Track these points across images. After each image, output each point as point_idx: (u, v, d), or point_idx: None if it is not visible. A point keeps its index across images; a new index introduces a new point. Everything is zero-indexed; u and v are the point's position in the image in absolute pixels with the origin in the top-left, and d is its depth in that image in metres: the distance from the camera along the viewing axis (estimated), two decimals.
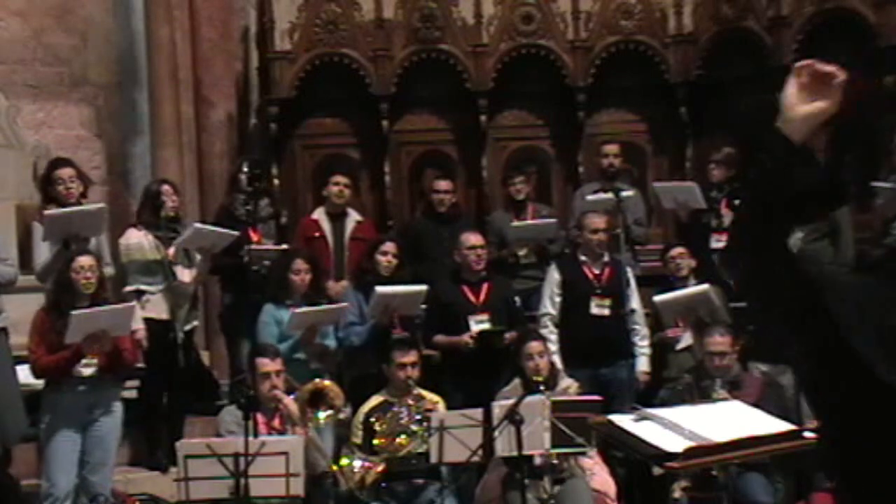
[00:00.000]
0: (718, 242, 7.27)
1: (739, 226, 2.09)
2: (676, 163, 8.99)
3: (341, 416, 5.84)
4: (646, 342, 6.84)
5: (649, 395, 6.22)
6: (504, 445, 5.40)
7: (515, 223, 7.80)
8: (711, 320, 6.43)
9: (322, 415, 5.67)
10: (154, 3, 8.70)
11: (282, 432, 5.57)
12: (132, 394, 6.90)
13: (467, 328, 6.70)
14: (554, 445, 5.48)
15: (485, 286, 6.85)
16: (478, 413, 5.61)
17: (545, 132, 9.22)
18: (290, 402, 5.65)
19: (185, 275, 6.83)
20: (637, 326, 6.82)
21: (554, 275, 6.98)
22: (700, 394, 5.88)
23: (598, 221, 6.94)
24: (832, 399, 2.03)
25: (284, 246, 7.34)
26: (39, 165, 7.69)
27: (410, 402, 6.10)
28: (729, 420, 3.26)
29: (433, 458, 5.67)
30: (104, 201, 7.82)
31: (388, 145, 8.96)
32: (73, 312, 5.65)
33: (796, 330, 2.00)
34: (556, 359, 6.49)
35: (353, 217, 7.76)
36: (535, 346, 6.13)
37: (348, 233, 7.65)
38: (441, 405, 6.13)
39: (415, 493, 5.98)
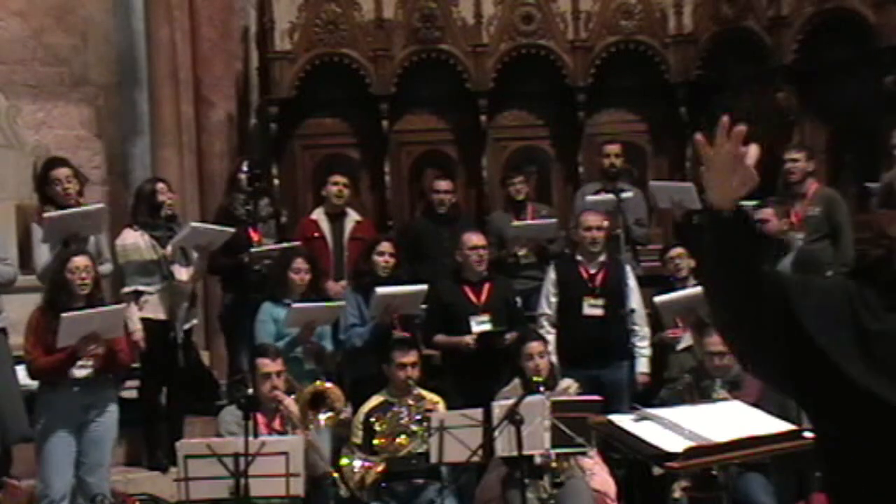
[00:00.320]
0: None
1: (702, 262, 2.21)
2: (676, 163, 8.99)
3: (342, 416, 5.83)
4: (645, 343, 6.81)
5: (649, 396, 6.21)
6: (504, 445, 5.40)
7: (516, 223, 7.80)
8: (711, 320, 6.42)
9: (322, 417, 5.67)
10: (154, 3, 8.70)
11: (282, 433, 5.56)
12: (132, 394, 6.91)
13: (468, 328, 6.69)
14: (554, 445, 5.48)
15: (486, 286, 6.84)
16: (478, 413, 5.61)
17: (545, 132, 9.22)
18: (290, 402, 5.65)
19: (182, 273, 6.82)
20: (637, 327, 6.79)
21: (551, 274, 6.98)
22: (700, 394, 5.87)
23: (592, 219, 6.93)
24: (810, 405, 2.05)
25: (289, 244, 7.32)
26: (39, 165, 7.69)
27: (410, 402, 6.10)
28: (729, 420, 3.25)
29: (433, 458, 5.67)
30: (104, 201, 7.83)
31: (388, 145, 8.96)
32: (64, 315, 5.63)
33: (765, 346, 2.05)
34: (554, 359, 6.48)
35: (353, 217, 7.77)
36: (535, 346, 6.13)
37: (347, 233, 7.65)
38: (441, 405, 6.13)
39: (415, 493, 5.98)
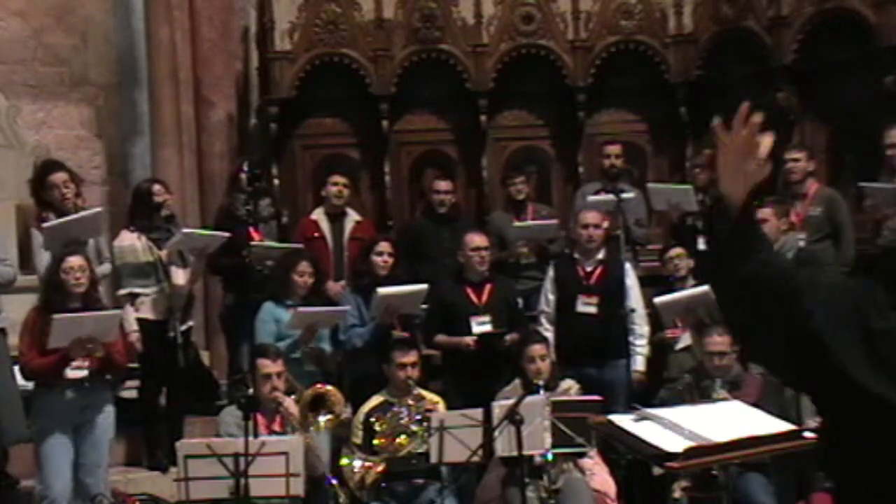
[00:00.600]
0: (707, 244, 7.31)
1: (708, 260, 2.21)
2: (676, 163, 8.99)
3: (342, 417, 5.83)
4: (642, 342, 6.79)
5: (648, 396, 6.21)
6: (504, 445, 5.40)
7: (517, 223, 7.80)
8: (711, 321, 6.42)
9: (322, 419, 5.67)
10: (154, 3, 8.71)
11: (282, 434, 5.56)
12: (132, 394, 6.91)
13: (469, 328, 6.69)
14: (554, 445, 5.48)
15: (487, 287, 6.84)
16: (478, 413, 5.61)
17: (545, 132, 9.22)
18: (290, 403, 5.65)
19: (179, 276, 6.81)
20: (635, 326, 6.79)
21: (550, 272, 7.00)
22: (700, 394, 5.88)
23: (590, 217, 6.93)
24: (818, 401, 2.05)
25: (288, 245, 7.32)
26: (34, 169, 7.68)
27: (410, 402, 6.11)
28: (729, 420, 3.25)
29: (433, 458, 5.67)
30: (104, 201, 7.85)
31: (388, 145, 8.96)
32: (55, 316, 5.62)
33: (767, 338, 2.05)
34: (553, 358, 6.47)
35: (353, 217, 7.77)
36: (537, 348, 6.12)
37: (347, 233, 7.65)
38: (441, 405, 6.13)
39: (415, 493, 5.99)
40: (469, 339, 6.65)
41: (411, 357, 6.17)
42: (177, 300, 6.77)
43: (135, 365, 6.78)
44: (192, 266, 6.85)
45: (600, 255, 6.92)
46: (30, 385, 5.99)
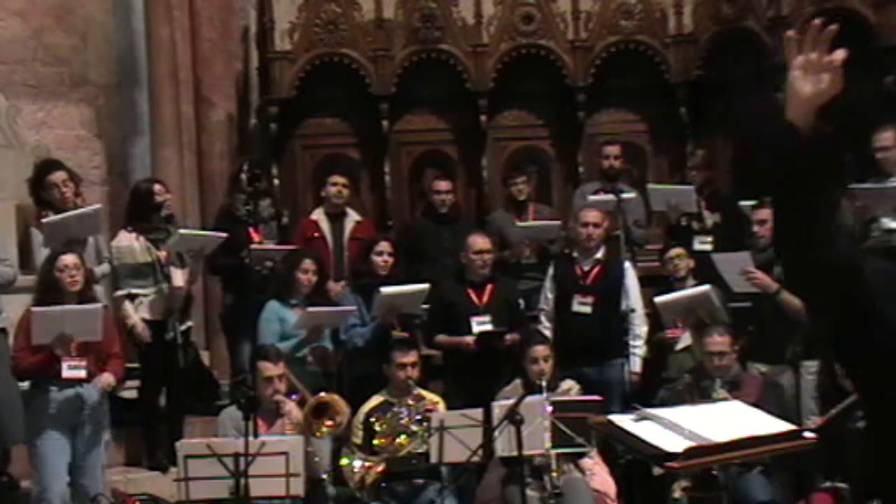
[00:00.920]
0: (703, 245, 7.32)
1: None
2: (676, 163, 8.98)
3: (344, 425, 5.81)
4: (639, 342, 6.79)
5: (648, 396, 6.21)
6: (504, 445, 5.40)
7: (520, 223, 7.80)
8: (711, 321, 6.43)
9: (324, 427, 5.67)
10: (154, 3, 8.70)
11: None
12: (132, 394, 6.91)
13: (470, 329, 6.70)
14: (554, 445, 5.48)
15: (488, 287, 6.85)
16: (478, 413, 5.61)
17: (545, 132, 9.22)
18: (292, 406, 5.65)
19: (177, 276, 6.80)
20: (634, 327, 6.79)
21: (550, 271, 7.00)
22: (700, 394, 5.88)
23: (590, 216, 6.94)
24: (861, 372, 2.03)
25: (291, 247, 7.33)
26: (33, 169, 7.68)
27: (410, 402, 6.11)
28: (729, 420, 3.25)
29: (433, 458, 5.67)
30: (104, 201, 7.84)
31: (388, 145, 8.96)
32: (34, 309, 5.61)
33: (832, 311, 2.01)
34: None
35: (353, 217, 7.77)
36: (540, 350, 6.11)
37: (348, 233, 7.65)
38: (441, 405, 6.13)
39: (415, 493, 5.99)
40: (469, 339, 6.65)
41: (411, 357, 6.17)
42: (175, 300, 6.76)
43: (135, 365, 6.78)
44: (190, 266, 6.84)
45: (598, 255, 6.92)
46: (25, 386, 5.98)
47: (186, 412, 7.10)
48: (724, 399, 5.46)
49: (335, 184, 7.72)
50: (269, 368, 5.72)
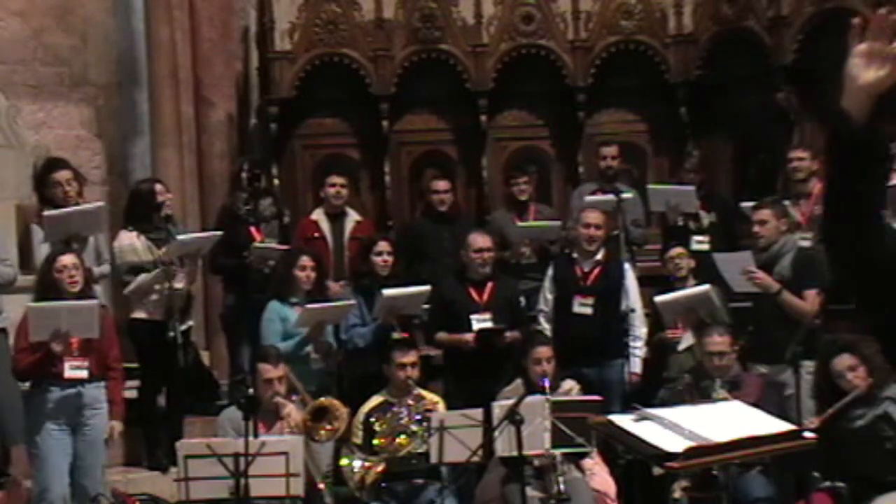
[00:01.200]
0: (699, 245, 7.33)
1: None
2: (676, 163, 8.98)
3: (342, 430, 5.80)
4: (639, 343, 6.80)
5: (648, 396, 6.21)
6: (504, 445, 5.40)
7: (521, 223, 7.80)
8: (711, 321, 6.43)
9: (323, 431, 5.67)
10: (154, 3, 8.70)
11: None
12: (132, 394, 6.90)
13: (470, 327, 6.70)
14: (554, 445, 5.48)
15: (489, 285, 6.85)
16: (478, 413, 5.61)
17: (545, 132, 9.22)
18: (292, 409, 5.65)
19: (178, 276, 6.80)
20: (633, 327, 6.79)
21: (549, 272, 7.00)
22: (700, 394, 5.88)
23: (592, 217, 6.94)
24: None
25: (286, 246, 7.34)
26: (39, 166, 7.69)
27: (410, 402, 6.11)
28: (729, 420, 3.25)
29: (433, 458, 5.67)
30: (104, 201, 7.82)
31: (388, 145, 8.96)
32: (29, 305, 5.60)
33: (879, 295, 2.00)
34: None
35: (353, 217, 7.77)
36: (543, 351, 6.10)
37: (348, 233, 7.65)
38: (441, 405, 6.13)
39: (415, 493, 5.99)
40: (468, 336, 6.65)
41: (411, 357, 6.17)
42: (176, 300, 6.76)
43: (135, 365, 6.78)
44: (189, 266, 6.84)
45: (599, 256, 6.92)
46: (26, 386, 5.98)
47: (186, 412, 7.10)
48: (724, 399, 5.46)
49: (333, 184, 7.72)
50: (269, 371, 5.72)
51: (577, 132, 9.01)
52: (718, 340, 6.02)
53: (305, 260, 6.64)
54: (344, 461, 5.91)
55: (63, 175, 6.76)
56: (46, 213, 6.53)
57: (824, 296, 6.22)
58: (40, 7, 8.77)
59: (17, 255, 6.87)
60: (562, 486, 5.56)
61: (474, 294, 6.82)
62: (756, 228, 6.42)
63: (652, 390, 6.48)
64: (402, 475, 5.98)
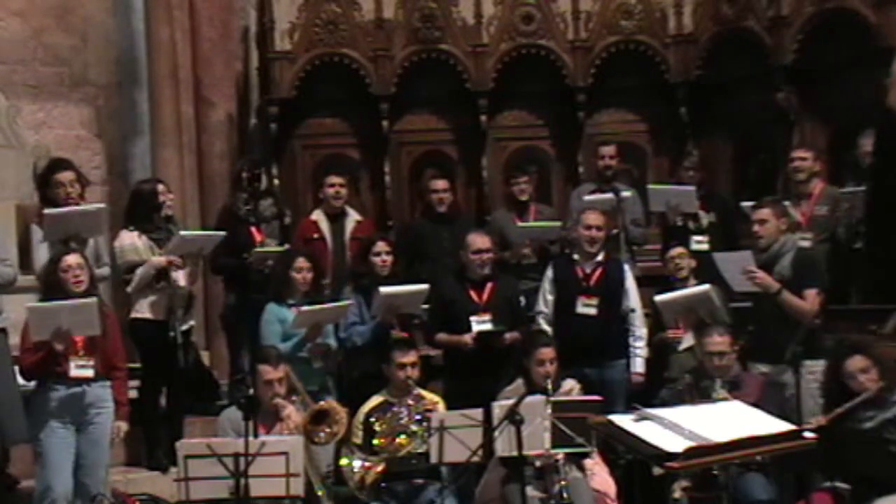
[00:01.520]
0: (699, 244, 7.33)
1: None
2: (676, 163, 8.97)
3: (341, 434, 5.80)
4: (641, 343, 6.79)
5: (648, 396, 6.21)
6: (504, 445, 5.40)
7: (522, 223, 7.80)
8: (711, 320, 6.43)
9: (322, 434, 5.67)
10: (154, 3, 8.71)
11: None
12: (132, 394, 6.90)
13: (469, 327, 6.69)
14: (554, 445, 5.47)
15: (489, 286, 6.84)
16: (478, 413, 5.61)
17: (545, 132, 9.23)
18: (292, 410, 5.65)
19: (179, 276, 6.80)
20: (634, 327, 6.79)
21: (549, 273, 6.99)
22: (700, 394, 5.87)
23: (593, 218, 6.93)
24: None
25: (286, 246, 7.34)
26: (39, 165, 7.69)
27: (410, 402, 6.11)
28: (729, 420, 3.26)
29: (433, 458, 5.67)
30: (104, 201, 7.83)
31: (388, 145, 8.97)
32: (29, 305, 5.59)
33: None
34: None
35: (353, 217, 7.77)
36: (546, 352, 6.09)
37: (348, 233, 7.65)
38: (441, 405, 6.13)
39: (415, 493, 5.98)
40: (467, 337, 6.65)
41: (411, 357, 6.17)
42: (177, 300, 6.76)
43: (135, 365, 6.78)
44: (190, 266, 6.84)
45: (599, 257, 6.91)
46: (31, 385, 5.98)
47: (186, 412, 7.10)
48: (725, 399, 5.46)
49: (333, 184, 7.72)
50: (269, 372, 5.71)
51: (577, 132, 9.02)
52: (718, 340, 6.02)
53: (301, 261, 6.64)
54: (344, 461, 5.91)
55: (66, 176, 6.76)
56: (47, 210, 6.53)
57: (824, 296, 6.22)
58: (40, 7, 8.78)
59: (17, 255, 6.86)
60: (564, 493, 5.55)
61: (474, 294, 6.81)
62: (756, 228, 6.41)
63: (652, 390, 6.48)
64: (402, 475, 5.97)
